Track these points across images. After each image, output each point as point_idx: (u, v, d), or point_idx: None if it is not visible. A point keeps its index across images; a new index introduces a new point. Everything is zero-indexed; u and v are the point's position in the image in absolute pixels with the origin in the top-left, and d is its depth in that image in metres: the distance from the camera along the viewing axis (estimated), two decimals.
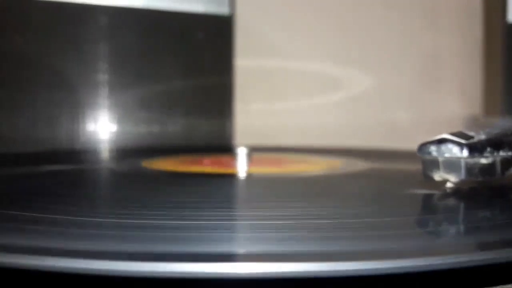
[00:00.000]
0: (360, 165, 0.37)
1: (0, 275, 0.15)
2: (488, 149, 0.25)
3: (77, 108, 0.47)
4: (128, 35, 0.49)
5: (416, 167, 0.27)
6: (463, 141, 0.24)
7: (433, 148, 0.25)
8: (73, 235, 0.18)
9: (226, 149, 0.47)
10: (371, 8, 0.57)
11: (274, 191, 0.29)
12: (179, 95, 0.50)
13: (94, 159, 0.45)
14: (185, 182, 0.31)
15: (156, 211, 0.22)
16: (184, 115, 0.50)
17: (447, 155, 0.24)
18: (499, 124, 0.27)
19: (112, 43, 0.48)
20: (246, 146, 0.35)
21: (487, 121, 0.56)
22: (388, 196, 0.27)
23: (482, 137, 0.25)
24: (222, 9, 0.51)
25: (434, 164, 0.25)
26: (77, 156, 0.45)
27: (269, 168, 0.37)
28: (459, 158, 0.24)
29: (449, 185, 0.25)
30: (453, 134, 0.25)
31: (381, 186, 0.31)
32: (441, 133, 0.25)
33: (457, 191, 0.25)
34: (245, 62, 0.53)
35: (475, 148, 0.24)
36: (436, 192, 0.26)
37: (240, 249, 0.17)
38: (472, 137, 0.25)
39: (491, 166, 0.25)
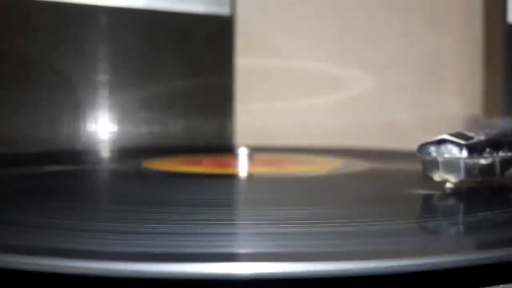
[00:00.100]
0: (360, 165, 0.37)
1: (1, 276, 0.15)
2: (488, 149, 0.25)
3: (77, 108, 0.47)
4: (129, 35, 0.49)
5: (416, 167, 0.27)
6: (462, 141, 0.24)
7: (432, 149, 0.25)
8: (74, 235, 0.18)
9: (227, 149, 0.47)
10: (371, 8, 0.58)
11: (274, 191, 0.29)
12: (179, 95, 0.50)
13: (95, 160, 0.45)
14: (186, 182, 0.31)
15: (156, 211, 0.22)
16: (184, 115, 0.50)
17: (446, 155, 0.24)
18: (499, 124, 0.27)
19: (112, 43, 0.48)
20: (247, 146, 0.35)
21: (487, 121, 0.56)
22: (388, 196, 0.27)
23: (482, 137, 0.25)
24: (222, 9, 0.51)
25: (433, 164, 0.25)
26: (78, 156, 0.45)
27: (270, 168, 0.37)
28: (458, 159, 0.24)
29: (448, 185, 0.25)
30: (452, 134, 0.25)
31: (381, 186, 0.31)
32: (441, 133, 0.25)
33: (456, 192, 0.25)
34: (245, 62, 0.53)
35: (474, 149, 0.24)
36: (435, 192, 0.26)
37: (240, 250, 0.17)
38: (471, 138, 0.25)
39: (490, 167, 0.25)
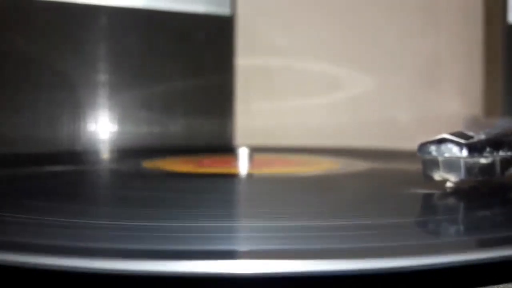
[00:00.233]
0: (360, 165, 0.37)
1: (1, 274, 0.15)
2: (488, 149, 0.25)
3: (77, 108, 0.47)
4: (129, 35, 0.49)
5: (416, 167, 0.27)
6: (462, 141, 0.24)
7: (433, 148, 0.25)
8: (74, 235, 0.18)
9: (227, 149, 0.47)
10: (372, 8, 0.58)
11: (274, 191, 0.29)
12: (179, 95, 0.50)
13: (95, 160, 0.45)
14: (186, 182, 0.31)
15: (156, 211, 0.22)
16: (184, 115, 0.50)
17: (447, 155, 0.24)
18: (499, 124, 0.27)
19: (112, 43, 0.48)
20: (247, 146, 0.35)
21: (487, 121, 0.56)
22: (388, 195, 0.27)
23: (482, 137, 0.25)
24: (222, 9, 0.51)
25: (434, 163, 0.25)
26: (78, 156, 0.45)
27: (270, 168, 0.37)
28: (458, 158, 0.24)
29: (449, 184, 0.25)
30: (452, 134, 0.25)
31: (381, 186, 0.31)
32: (441, 133, 0.25)
33: (457, 191, 0.25)
34: (245, 62, 0.53)
35: (474, 148, 0.24)
36: (436, 191, 0.26)
37: (240, 248, 0.17)
38: (471, 137, 0.25)
39: (490, 166, 0.25)
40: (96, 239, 0.18)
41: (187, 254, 0.16)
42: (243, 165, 0.34)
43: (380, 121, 0.57)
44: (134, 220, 0.20)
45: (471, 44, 0.59)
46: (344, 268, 0.14)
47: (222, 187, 0.30)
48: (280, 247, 0.17)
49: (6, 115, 0.45)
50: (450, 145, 0.24)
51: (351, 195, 0.28)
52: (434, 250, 0.17)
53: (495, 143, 0.25)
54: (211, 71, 0.52)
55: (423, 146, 0.25)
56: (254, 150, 0.35)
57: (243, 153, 0.35)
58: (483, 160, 0.25)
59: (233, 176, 0.33)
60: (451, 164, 0.25)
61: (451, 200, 0.25)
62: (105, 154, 0.47)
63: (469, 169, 0.24)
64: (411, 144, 0.28)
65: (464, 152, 0.24)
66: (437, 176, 0.25)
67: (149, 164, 0.37)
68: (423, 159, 0.25)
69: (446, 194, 0.25)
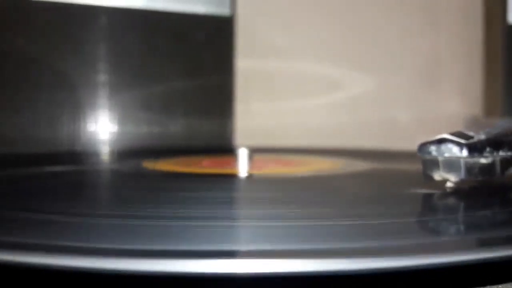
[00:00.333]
0: (360, 165, 0.37)
1: (1, 274, 0.15)
2: (488, 149, 0.25)
3: (77, 108, 0.47)
4: (129, 35, 0.49)
5: (416, 167, 0.27)
6: (462, 141, 0.24)
7: (433, 148, 0.25)
8: (74, 235, 0.18)
9: (227, 149, 0.47)
10: (372, 8, 0.58)
11: (274, 191, 0.29)
12: (179, 95, 0.50)
13: (95, 160, 0.45)
14: (186, 182, 0.31)
15: (156, 211, 0.22)
16: (184, 115, 0.50)
17: (447, 154, 0.24)
18: (499, 124, 0.27)
19: (112, 44, 0.48)
20: (247, 146, 0.35)
21: (487, 121, 0.56)
22: (388, 195, 0.27)
23: (482, 137, 0.25)
24: (222, 10, 0.51)
25: (434, 163, 0.25)
26: (78, 156, 0.45)
27: (270, 168, 0.37)
28: (458, 158, 0.24)
29: (449, 184, 0.25)
30: (452, 134, 0.25)
31: (382, 186, 0.31)
32: (441, 133, 0.25)
33: (457, 191, 0.25)
34: (245, 62, 0.53)
35: (474, 148, 0.24)
36: (436, 191, 0.26)
37: (240, 248, 0.17)
38: (471, 137, 0.25)
39: (490, 166, 0.25)
40: (96, 238, 0.18)
41: (187, 254, 0.16)
42: (242, 165, 0.34)
43: (380, 121, 0.57)
44: (134, 220, 0.20)
45: (471, 44, 0.59)
46: (344, 268, 0.14)
47: (222, 187, 0.30)
48: (280, 247, 0.17)
49: (6, 115, 0.45)
50: (450, 145, 0.24)
51: (351, 195, 0.28)
52: (434, 250, 0.17)
53: (495, 143, 0.25)
54: (211, 71, 0.52)
55: (423, 146, 0.25)
56: (254, 151, 0.35)
57: (242, 154, 0.35)
58: (483, 160, 0.25)
59: (233, 176, 0.33)
60: (451, 164, 0.25)
61: (451, 200, 0.25)
62: (105, 154, 0.47)
63: (469, 169, 0.24)
64: (411, 144, 0.28)
65: (464, 152, 0.24)
66: (437, 176, 0.25)
67: (149, 164, 0.37)
68: (423, 159, 0.25)
69: (446, 194, 0.25)
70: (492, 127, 0.27)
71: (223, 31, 0.52)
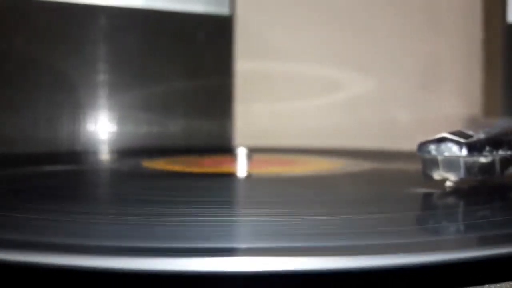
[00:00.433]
0: (361, 165, 0.37)
1: (1, 273, 0.15)
2: (487, 148, 0.25)
3: (77, 108, 0.47)
4: (129, 35, 0.49)
5: (416, 166, 0.27)
6: (462, 140, 0.24)
7: (432, 147, 0.25)
8: (74, 234, 0.18)
9: (226, 150, 0.47)
10: (371, 9, 0.58)
11: (274, 191, 0.29)
12: (179, 95, 0.50)
13: (95, 160, 0.45)
14: (185, 182, 0.31)
15: (156, 210, 0.22)
16: (184, 115, 0.50)
17: (446, 154, 0.24)
18: (499, 124, 0.27)
19: (112, 44, 0.48)
20: (246, 147, 0.35)
21: (487, 121, 0.56)
22: (389, 195, 0.27)
23: (481, 136, 0.25)
24: (222, 9, 0.51)
25: (433, 163, 0.25)
26: (78, 156, 0.45)
27: (269, 168, 0.37)
28: (458, 157, 0.24)
29: (448, 184, 0.25)
30: (452, 133, 0.25)
31: (382, 185, 0.31)
32: (441, 133, 0.25)
33: (456, 190, 0.25)
34: (245, 63, 0.53)
35: (474, 147, 0.24)
36: (435, 191, 0.26)
37: (240, 247, 0.17)
38: (471, 136, 0.25)
39: (490, 165, 0.25)
40: (96, 238, 0.18)
41: (186, 253, 0.16)
42: (242, 165, 0.34)
43: (380, 121, 0.57)
44: (134, 219, 0.20)
45: (471, 44, 0.59)
46: (344, 266, 0.15)
47: (221, 187, 0.30)
48: (279, 245, 0.17)
49: (6, 115, 0.45)
50: (449, 144, 0.24)
51: (351, 195, 0.28)
52: (434, 249, 0.17)
53: (495, 142, 0.25)
54: (211, 72, 0.52)
55: (423, 145, 0.25)
56: (254, 151, 0.35)
57: (242, 154, 0.35)
58: (482, 159, 0.25)
59: (232, 176, 0.33)
60: (451, 163, 0.25)
61: (451, 199, 0.25)
62: (104, 154, 0.47)
63: (469, 168, 0.24)
64: (411, 144, 0.28)
65: (464, 151, 0.24)
66: (437, 175, 0.25)
67: (149, 164, 0.37)
68: (423, 158, 0.25)
69: (446, 193, 0.25)
70: (492, 127, 0.27)
71: (223, 31, 0.52)
